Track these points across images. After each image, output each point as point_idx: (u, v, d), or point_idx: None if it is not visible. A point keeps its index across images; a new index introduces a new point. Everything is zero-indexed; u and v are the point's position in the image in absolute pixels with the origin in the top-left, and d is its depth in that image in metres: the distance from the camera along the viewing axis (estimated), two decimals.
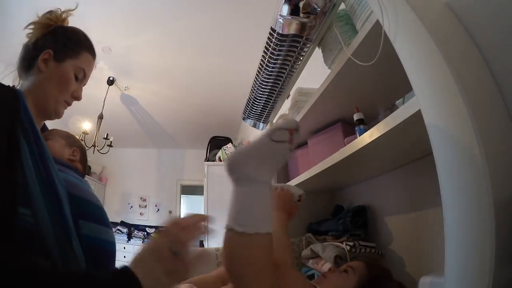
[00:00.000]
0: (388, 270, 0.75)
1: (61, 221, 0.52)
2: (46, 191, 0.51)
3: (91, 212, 0.64)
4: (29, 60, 0.67)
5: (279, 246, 0.63)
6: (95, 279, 0.41)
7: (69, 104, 0.73)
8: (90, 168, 4.68)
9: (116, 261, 0.80)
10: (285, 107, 1.39)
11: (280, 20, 0.83)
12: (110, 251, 0.67)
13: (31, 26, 0.69)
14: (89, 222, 0.61)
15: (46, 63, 0.66)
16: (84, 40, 0.74)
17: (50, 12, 0.72)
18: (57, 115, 0.70)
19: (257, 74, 1.13)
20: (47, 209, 0.50)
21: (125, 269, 0.43)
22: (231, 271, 0.51)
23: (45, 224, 0.49)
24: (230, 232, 0.49)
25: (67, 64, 0.68)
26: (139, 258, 0.45)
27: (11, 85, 0.61)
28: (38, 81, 0.66)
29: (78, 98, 0.74)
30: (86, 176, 4.73)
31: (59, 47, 0.68)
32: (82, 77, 0.72)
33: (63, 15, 0.73)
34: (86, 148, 3.44)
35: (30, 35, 0.69)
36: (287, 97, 1.32)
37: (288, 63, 1.01)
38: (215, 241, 3.35)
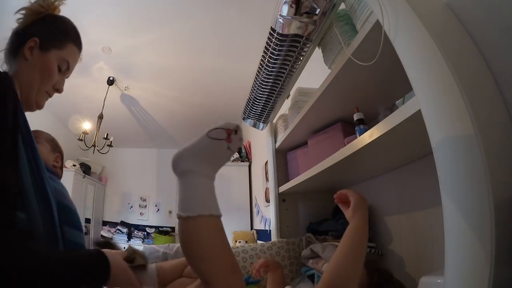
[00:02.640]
0: (390, 273, 0.74)
1: (51, 227, 0.55)
2: (40, 197, 0.53)
3: (71, 218, 0.68)
4: (16, 46, 0.66)
5: None
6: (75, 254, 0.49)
7: (50, 96, 0.71)
8: (90, 168, 4.67)
9: None
10: (285, 107, 1.39)
11: (280, 20, 0.83)
12: None
13: (22, 12, 0.68)
14: (70, 228, 0.64)
15: (31, 51, 0.65)
16: (72, 31, 0.72)
17: (44, 0, 0.70)
18: (38, 106, 0.69)
19: (257, 74, 1.13)
20: (40, 215, 0.52)
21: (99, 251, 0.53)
22: (187, 256, 0.54)
23: (37, 229, 0.51)
24: (179, 220, 0.53)
25: (51, 54, 0.66)
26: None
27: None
28: (22, 69, 0.65)
29: (59, 90, 0.72)
30: (86, 176, 4.72)
31: (46, 36, 0.67)
32: (65, 69, 0.70)
33: (55, 3, 0.71)
34: (86, 148, 3.45)
35: (21, 20, 0.68)
36: (287, 97, 1.32)
37: (288, 63, 1.01)
38: None
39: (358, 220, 0.66)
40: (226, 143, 0.60)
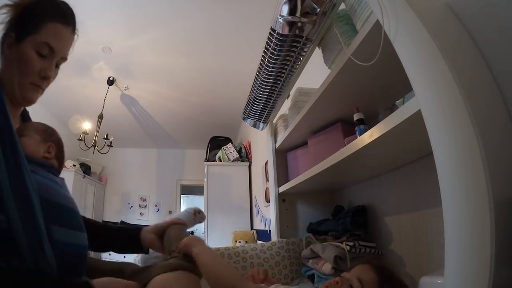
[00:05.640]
0: (401, 281, 0.64)
1: (33, 227, 0.50)
2: (18, 196, 0.49)
3: (63, 216, 0.60)
4: (1, 49, 0.62)
5: None
6: None
7: (40, 87, 0.65)
8: (90, 168, 4.68)
9: (112, 261, 0.83)
10: (285, 107, 1.39)
11: (280, 20, 0.83)
12: (82, 255, 0.63)
13: (3, 11, 0.62)
14: (60, 227, 0.57)
15: (9, 48, 0.61)
16: (49, 9, 0.64)
17: None
18: (27, 101, 0.64)
19: (257, 74, 1.13)
20: (19, 214, 0.48)
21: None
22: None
23: (17, 229, 0.47)
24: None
25: (26, 42, 0.60)
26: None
27: None
28: (2, 69, 0.61)
29: (47, 77, 0.64)
30: (86, 176, 4.70)
31: (20, 26, 0.61)
32: (48, 52, 0.62)
33: None
34: (86, 148, 3.45)
35: (5, 22, 0.63)
36: (287, 97, 1.32)
37: (288, 63, 1.01)
38: (214, 239, 3.35)
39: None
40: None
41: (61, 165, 0.75)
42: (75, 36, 0.70)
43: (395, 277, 0.62)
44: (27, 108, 0.76)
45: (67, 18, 0.67)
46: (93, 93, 3.48)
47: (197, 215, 0.98)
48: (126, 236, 0.84)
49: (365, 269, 0.61)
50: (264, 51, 0.99)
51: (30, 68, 0.61)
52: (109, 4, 2.22)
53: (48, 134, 0.73)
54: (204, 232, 3.54)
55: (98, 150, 3.42)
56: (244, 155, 3.96)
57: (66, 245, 0.58)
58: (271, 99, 1.25)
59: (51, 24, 0.63)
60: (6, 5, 0.62)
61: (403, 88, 0.67)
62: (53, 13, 0.64)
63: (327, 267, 0.94)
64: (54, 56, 0.65)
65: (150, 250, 0.85)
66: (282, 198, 1.41)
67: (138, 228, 0.86)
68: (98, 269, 0.72)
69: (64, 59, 0.69)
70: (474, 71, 0.51)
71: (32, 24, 0.61)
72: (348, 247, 0.92)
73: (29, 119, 0.78)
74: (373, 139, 0.65)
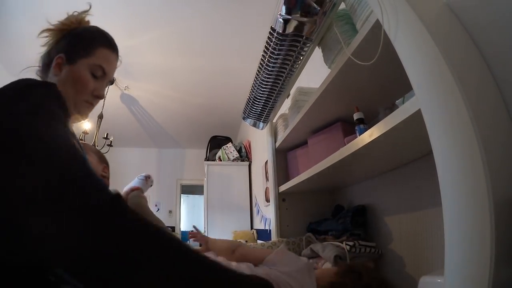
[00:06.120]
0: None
1: None
2: None
3: None
4: (45, 68, 0.67)
5: None
6: None
7: (91, 104, 0.71)
8: None
9: None
10: (285, 107, 1.39)
11: (280, 20, 0.83)
12: None
13: (45, 34, 0.68)
14: None
15: (59, 68, 0.65)
16: (98, 36, 0.72)
17: (66, 18, 0.70)
18: (82, 116, 0.70)
19: (257, 74, 1.13)
20: None
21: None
22: None
23: None
24: None
25: (79, 64, 0.66)
26: None
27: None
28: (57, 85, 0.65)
29: (100, 96, 0.72)
30: None
31: (71, 49, 0.67)
32: (101, 74, 0.70)
33: (79, 17, 0.72)
34: None
35: (47, 44, 0.69)
36: (287, 97, 1.32)
37: (288, 62, 1.01)
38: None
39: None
40: None
41: (108, 185, 0.82)
42: (118, 62, 0.78)
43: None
44: None
45: (113, 45, 0.74)
46: None
47: (148, 180, 1.07)
48: None
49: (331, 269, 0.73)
50: (264, 50, 0.99)
51: (85, 88, 0.67)
52: (109, 4, 2.22)
53: (101, 156, 0.82)
54: (204, 231, 3.54)
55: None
56: (244, 155, 3.96)
57: None
58: (271, 99, 1.25)
59: (102, 49, 0.70)
60: (49, 29, 0.68)
61: (403, 88, 0.67)
62: (103, 40, 0.72)
63: (327, 267, 0.95)
64: (106, 77, 0.72)
65: None
66: (282, 198, 1.41)
67: None
68: None
69: (111, 82, 0.77)
70: (474, 70, 0.51)
71: (84, 48, 0.67)
72: (348, 247, 0.92)
73: None
74: (373, 138, 0.65)
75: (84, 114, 0.70)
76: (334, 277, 0.69)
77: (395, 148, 0.74)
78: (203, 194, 4.05)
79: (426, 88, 0.47)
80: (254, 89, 1.22)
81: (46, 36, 0.68)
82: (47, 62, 0.67)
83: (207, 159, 4.13)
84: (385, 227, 0.99)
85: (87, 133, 3.48)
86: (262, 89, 1.18)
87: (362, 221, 1.06)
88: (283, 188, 1.33)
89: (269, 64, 1.02)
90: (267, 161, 2.03)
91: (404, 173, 0.91)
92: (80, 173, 0.41)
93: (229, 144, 4.01)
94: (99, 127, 3.46)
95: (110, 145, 3.56)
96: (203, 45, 2.71)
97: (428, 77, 0.47)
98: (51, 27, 0.69)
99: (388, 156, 0.82)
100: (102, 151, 3.66)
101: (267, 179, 2.81)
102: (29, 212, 0.35)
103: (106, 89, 3.15)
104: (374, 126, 0.65)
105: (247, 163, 3.91)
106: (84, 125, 3.68)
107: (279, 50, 0.94)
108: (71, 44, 0.67)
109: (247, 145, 4.01)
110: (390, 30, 0.54)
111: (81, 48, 0.67)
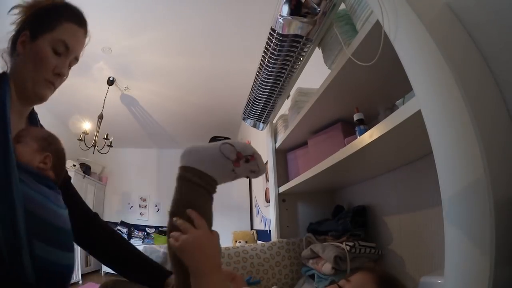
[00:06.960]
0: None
1: (13, 234, 0.49)
2: (2, 201, 0.49)
3: (47, 233, 0.57)
4: (12, 46, 0.64)
5: None
6: None
7: (53, 84, 0.66)
8: (90, 168, 4.68)
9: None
10: (285, 107, 1.39)
11: (280, 20, 0.83)
12: (65, 275, 0.61)
13: (15, 11, 0.65)
14: (43, 243, 0.55)
15: (23, 45, 0.62)
16: (64, 10, 0.67)
17: None
18: (39, 98, 0.65)
19: (257, 74, 1.13)
20: (0, 219, 0.48)
21: None
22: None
23: None
24: None
25: (42, 39, 0.62)
26: None
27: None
28: (16, 64, 0.62)
29: (61, 74, 0.66)
30: (86, 176, 4.68)
31: (35, 25, 0.63)
32: (63, 50, 0.64)
33: None
34: (86, 148, 3.44)
35: (16, 21, 0.65)
36: (287, 97, 1.32)
37: (288, 63, 1.01)
38: None
39: None
40: (232, 165, 0.57)
41: (58, 177, 0.70)
42: (87, 39, 0.73)
43: None
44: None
45: (81, 19, 0.70)
46: (93, 93, 3.48)
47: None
48: (152, 271, 0.79)
49: (366, 280, 0.57)
50: (264, 51, 0.99)
51: (45, 64, 0.63)
52: (109, 4, 2.22)
53: (47, 143, 0.70)
54: None
55: (98, 150, 3.42)
56: None
57: (47, 263, 0.55)
58: (271, 99, 1.25)
59: (66, 24, 0.66)
60: (19, 6, 0.65)
61: (403, 88, 0.67)
62: (68, 14, 0.67)
63: (327, 267, 0.95)
64: (69, 54, 0.67)
65: None
66: (282, 198, 1.41)
67: (168, 271, 0.79)
68: None
69: (76, 59, 0.71)
70: (474, 70, 0.51)
71: (48, 22, 0.63)
72: (348, 247, 0.92)
73: (37, 121, 0.76)
74: (373, 139, 0.65)
75: (43, 96, 0.64)
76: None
77: (395, 148, 0.74)
78: None
79: (426, 88, 0.47)
80: (254, 89, 1.22)
81: (17, 13, 0.65)
82: (14, 40, 0.64)
83: None
84: (385, 227, 0.99)
85: (87, 133, 3.49)
86: (262, 89, 1.18)
87: (362, 221, 1.05)
88: (283, 188, 1.33)
89: (269, 64, 1.02)
90: (267, 161, 2.02)
91: (404, 173, 0.91)
92: None
93: None
94: (99, 127, 3.46)
95: (110, 146, 3.56)
96: (203, 45, 2.71)
97: (428, 77, 0.47)
98: (22, 3, 0.65)
99: (388, 156, 0.82)
100: (102, 151, 3.64)
101: (267, 179, 2.81)
102: None
103: (106, 89, 3.07)
104: (374, 127, 0.65)
105: None
106: (84, 126, 3.68)
107: (279, 50, 0.94)
108: (36, 19, 0.64)
109: None
110: (390, 30, 0.54)
111: (46, 22, 0.63)
